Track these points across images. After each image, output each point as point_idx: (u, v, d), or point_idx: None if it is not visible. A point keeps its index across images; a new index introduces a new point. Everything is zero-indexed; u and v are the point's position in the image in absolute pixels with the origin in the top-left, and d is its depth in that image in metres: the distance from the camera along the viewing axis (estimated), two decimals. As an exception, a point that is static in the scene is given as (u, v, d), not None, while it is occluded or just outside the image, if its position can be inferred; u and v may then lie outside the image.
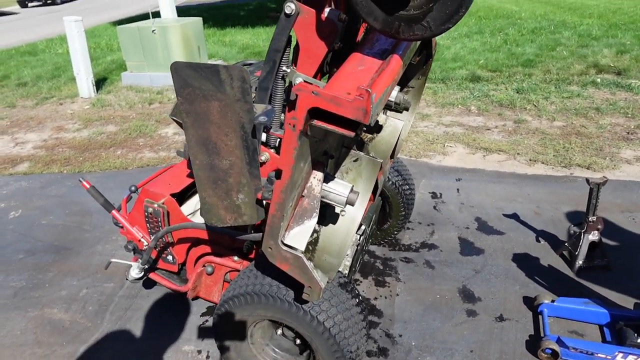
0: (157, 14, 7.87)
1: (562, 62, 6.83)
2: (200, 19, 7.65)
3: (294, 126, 1.23)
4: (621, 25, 8.68)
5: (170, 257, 2.38)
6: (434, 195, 3.56)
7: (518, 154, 4.22)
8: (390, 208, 2.79)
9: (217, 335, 1.97)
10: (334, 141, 1.77)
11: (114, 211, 2.42)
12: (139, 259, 2.37)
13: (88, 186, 2.40)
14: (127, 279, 2.39)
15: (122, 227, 2.54)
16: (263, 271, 1.81)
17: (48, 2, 26.20)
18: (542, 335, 2.20)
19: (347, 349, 1.73)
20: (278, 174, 1.33)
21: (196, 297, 2.45)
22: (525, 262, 2.77)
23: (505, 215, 3.25)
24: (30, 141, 5.41)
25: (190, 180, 2.44)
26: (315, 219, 1.49)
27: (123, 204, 2.51)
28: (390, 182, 2.68)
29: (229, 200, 1.48)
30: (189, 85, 1.24)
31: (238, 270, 2.23)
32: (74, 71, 6.91)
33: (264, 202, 1.46)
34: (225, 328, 1.91)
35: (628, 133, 4.56)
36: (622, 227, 3.05)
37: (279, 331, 2.01)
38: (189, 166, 2.55)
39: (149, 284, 2.77)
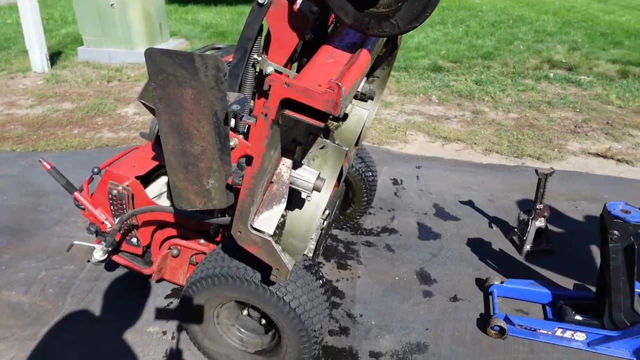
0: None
1: (518, 56, 7.11)
2: (161, -6, 7.42)
3: (266, 115, 1.27)
4: (574, 23, 9.09)
5: (134, 240, 2.38)
6: (395, 182, 3.69)
7: (475, 143, 4.41)
8: (353, 194, 2.89)
9: (183, 315, 2.01)
10: (303, 129, 1.82)
11: (76, 193, 2.38)
12: (103, 242, 2.36)
13: (49, 167, 2.35)
14: (89, 261, 2.37)
15: (83, 209, 2.51)
16: (230, 254, 1.86)
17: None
18: (491, 313, 2.37)
19: (311, 328, 1.82)
20: (248, 160, 1.38)
21: (160, 280, 2.48)
22: (479, 247, 2.94)
23: (461, 202, 3.42)
24: (-21, 117, 5.15)
25: (155, 163, 2.43)
26: (284, 204, 1.55)
27: (85, 185, 2.47)
28: (354, 168, 2.76)
29: (199, 185, 1.51)
30: (162, 71, 1.26)
31: (204, 253, 2.27)
32: (25, 44, 6.58)
33: (234, 187, 1.50)
34: (193, 309, 1.95)
35: (575, 127, 4.85)
36: (566, 215, 3.28)
37: (245, 312, 2.07)
38: (154, 149, 2.54)
39: (111, 266, 2.75)
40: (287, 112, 1.28)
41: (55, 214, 3.31)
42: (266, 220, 1.53)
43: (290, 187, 1.69)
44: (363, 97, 2.18)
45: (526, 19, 9.43)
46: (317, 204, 1.97)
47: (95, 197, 2.40)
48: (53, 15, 10.11)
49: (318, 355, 2.09)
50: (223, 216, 1.91)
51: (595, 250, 2.90)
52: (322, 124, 1.27)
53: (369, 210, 3.26)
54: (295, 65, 1.86)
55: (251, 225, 1.51)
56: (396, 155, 4.16)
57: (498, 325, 2.25)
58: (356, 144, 2.48)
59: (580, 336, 2.20)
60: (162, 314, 2.46)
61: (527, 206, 3.24)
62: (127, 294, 2.58)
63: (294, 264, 1.70)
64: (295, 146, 1.80)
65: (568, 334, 2.21)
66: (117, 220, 2.20)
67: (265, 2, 1.49)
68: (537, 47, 7.46)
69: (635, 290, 2.23)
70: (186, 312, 1.99)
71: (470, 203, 3.40)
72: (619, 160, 4.12)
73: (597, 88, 5.94)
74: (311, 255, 2.24)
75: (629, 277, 2.05)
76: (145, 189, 2.30)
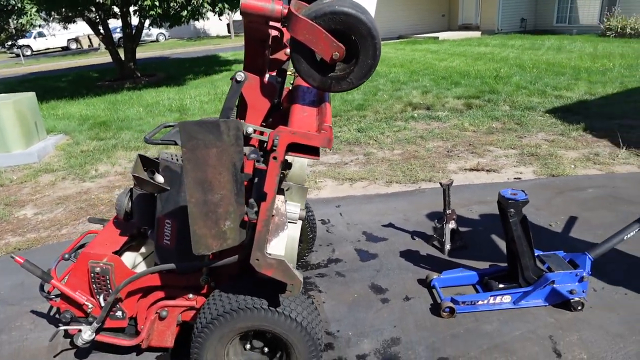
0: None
1: (385, 103, 8.32)
2: (34, 93, 7.29)
3: (275, 158, 1.69)
4: (419, 72, 10.87)
5: (119, 313, 2.47)
6: (324, 222, 4.17)
7: (376, 179, 5.14)
8: (300, 233, 3.29)
9: (197, 361, 2.19)
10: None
11: (53, 281, 2.44)
12: (85, 323, 2.42)
13: (22, 261, 2.39)
14: (77, 344, 2.40)
15: (52, 299, 2.55)
16: (234, 291, 2.13)
17: None
18: (439, 301, 2.90)
19: (315, 337, 2.14)
20: (261, 197, 1.76)
21: (146, 349, 2.56)
22: (410, 256, 3.51)
23: (383, 225, 4.01)
24: None
25: (124, 238, 2.61)
26: (287, 231, 1.93)
27: (54, 273, 2.53)
28: (299, 210, 3.19)
29: (217, 229, 1.82)
30: (193, 137, 1.61)
31: (194, 308, 2.46)
32: None
33: (249, 222, 1.84)
34: (207, 351, 2.15)
35: (448, 152, 5.89)
36: (464, 217, 4.05)
37: (247, 346, 2.31)
38: (117, 226, 2.71)
39: (81, 354, 2.73)
40: (291, 153, 1.71)
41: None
42: (277, 245, 1.89)
43: (278, 222, 2.07)
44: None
45: (380, 73, 11.02)
46: (292, 238, 2.36)
47: (70, 281, 2.48)
48: None
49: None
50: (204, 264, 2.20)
51: (495, 238, 3.66)
52: (317, 158, 1.72)
53: (312, 249, 3.67)
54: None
55: (266, 252, 1.85)
56: (315, 200, 4.68)
57: (448, 307, 2.78)
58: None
59: (507, 298, 2.83)
60: (157, 379, 2.54)
61: (434, 217, 3.94)
62: (113, 373, 2.60)
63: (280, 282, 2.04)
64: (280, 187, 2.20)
65: (498, 299, 2.83)
66: (111, 292, 2.31)
67: (242, 80, 1.94)
68: (398, 94, 8.80)
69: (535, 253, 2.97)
70: (200, 357, 2.17)
71: (391, 225, 4.01)
72: (487, 171, 5.16)
73: (453, 120, 7.24)
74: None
75: (528, 242, 2.74)
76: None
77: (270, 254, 1.87)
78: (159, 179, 2.22)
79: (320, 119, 1.82)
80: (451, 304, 2.78)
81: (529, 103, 7.81)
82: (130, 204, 2.48)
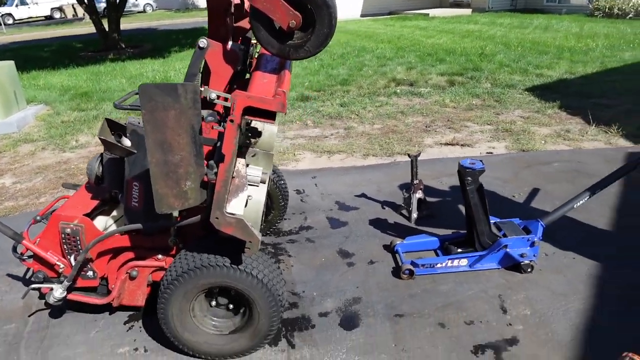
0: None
1: (369, 79, 8.37)
2: (13, 62, 7.21)
3: (232, 121, 1.78)
4: (405, 48, 10.88)
5: (90, 273, 2.57)
6: (298, 192, 4.29)
7: (354, 152, 5.25)
8: (272, 201, 3.41)
9: (164, 315, 2.31)
10: (242, 140, 2.32)
11: (24, 241, 2.53)
12: (57, 282, 2.52)
13: (-6, 221, 2.47)
14: (49, 302, 2.51)
15: (25, 259, 2.64)
16: (198, 250, 2.25)
17: None
18: (400, 264, 3.06)
19: (276, 294, 2.28)
20: (220, 158, 1.85)
21: (118, 306, 2.67)
22: (379, 224, 3.66)
23: (356, 195, 4.14)
24: None
25: (95, 202, 2.70)
26: (246, 192, 2.03)
27: (26, 235, 2.62)
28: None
29: (178, 189, 1.92)
30: (152, 99, 1.69)
31: (163, 268, 2.58)
32: None
33: (209, 183, 1.94)
34: (172, 307, 2.27)
35: (426, 127, 6.00)
36: (436, 188, 4.19)
37: (213, 302, 2.44)
38: (89, 190, 2.80)
39: (55, 313, 2.85)
40: (248, 117, 1.80)
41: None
42: (236, 205, 1.99)
43: (241, 184, 2.17)
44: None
45: (368, 48, 11.02)
46: (258, 202, 2.47)
47: (42, 243, 2.57)
48: None
49: (281, 322, 2.54)
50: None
51: (461, 207, 3.80)
52: (273, 122, 1.81)
53: (284, 217, 3.79)
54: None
55: (225, 211, 1.96)
56: (292, 172, 4.78)
57: (407, 269, 2.94)
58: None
59: (463, 262, 2.99)
60: (126, 334, 2.67)
61: (406, 188, 4.07)
62: (84, 330, 2.71)
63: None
64: (244, 150, 2.29)
65: (455, 262, 2.99)
66: (80, 252, 2.42)
67: (205, 46, 2.01)
68: (382, 70, 8.85)
69: (490, 220, 3.12)
70: (166, 312, 2.29)
71: (363, 195, 4.14)
72: (462, 145, 5.28)
73: (434, 96, 7.33)
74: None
75: (483, 209, 2.89)
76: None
77: (229, 213, 1.97)
78: (126, 142, 2.30)
79: (279, 85, 1.91)
80: (410, 267, 2.94)
81: (510, 81, 7.91)
82: (101, 168, 2.56)
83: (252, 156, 2.54)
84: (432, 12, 21.07)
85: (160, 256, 2.57)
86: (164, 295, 2.26)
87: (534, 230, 2.97)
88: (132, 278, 2.60)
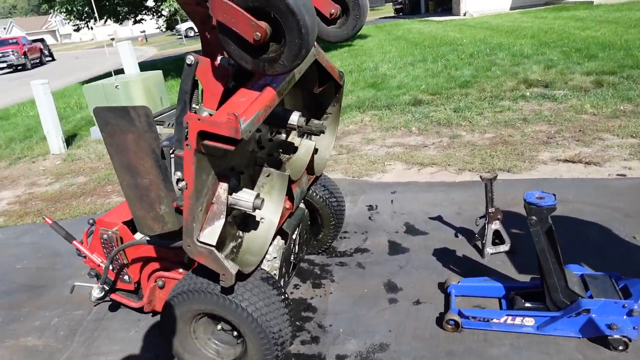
0: (121, 71, 8.39)
1: (495, 80, 7.48)
2: (161, 72, 8.15)
3: (188, 146, 1.64)
4: (550, 43, 9.49)
5: (126, 277, 2.72)
6: (370, 208, 3.97)
7: (449, 165, 4.69)
8: (321, 219, 3.19)
9: (165, 333, 2.30)
10: (242, 159, 2.17)
11: (74, 241, 2.77)
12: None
13: (50, 222, 2.75)
14: (91, 300, 2.71)
15: (84, 257, 2.88)
16: (196, 273, 2.17)
17: (19, 67, 26.85)
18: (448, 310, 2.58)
19: (269, 330, 2.08)
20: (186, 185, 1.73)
21: (153, 311, 2.77)
22: (444, 255, 3.16)
23: (430, 218, 3.67)
24: (5, 198, 5.71)
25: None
26: (224, 220, 1.88)
27: (84, 236, 2.86)
28: (318, 196, 3.09)
29: (154, 212, 1.86)
30: (109, 123, 1.65)
31: (184, 281, 2.58)
32: (44, 131, 7.31)
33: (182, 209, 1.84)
34: (171, 326, 2.24)
35: (548, 138, 5.09)
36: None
37: (219, 326, 2.35)
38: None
39: (114, 307, 3.08)
40: (206, 141, 1.64)
41: (69, 270, 3.69)
42: (210, 234, 1.86)
43: (236, 209, 2.03)
44: (313, 132, 2.56)
45: (504, 45, 9.89)
46: (270, 224, 2.30)
47: (92, 244, 2.78)
48: (69, 103, 11.09)
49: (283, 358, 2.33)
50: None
51: (554, 245, 3.08)
52: (232, 147, 1.62)
53: (343, 235, 3.54)
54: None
55: (197, 239, 1.84)
56: (373, 184, 4.47)
57: (452, 319, 2.46)
58: (312, 173, 2.83)
59: (529, 321, 2.38)
60: (154, 338, 2.75)
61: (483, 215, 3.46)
62: (127, 328, 2.88)
63: (243, 271, 1.99)
64: (236, 174, 2.15)
65: (518, 320, 2.39)
66: (108, 257, 2.55)
67: (192, 63, 1.90)
68: (514, 70, 7.83)
69: (577, 272, 2.44)
70: (166, 330, 2.27)
71: (439, 218, 3.65)
72: (586, 163, 4.33)
73: (572, 100, 6.20)
74: (275, 273, 2.53)
75: (555, 257, 2.26)
76: (135, 234, 2.66)
77: (201, 242, 1.84)
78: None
79: (252, 105, 1.71)
80: (457, 317, 2.45)
81: (684, 81, 6.30)
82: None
83: (267, 176, 2.38)
84: (600, -1, 18.06)
85: (181, 270, 2.57)
86: (164, 312, 2.24)
87: (636, 293, 2.22)
88: (160, 287, 2.66)
